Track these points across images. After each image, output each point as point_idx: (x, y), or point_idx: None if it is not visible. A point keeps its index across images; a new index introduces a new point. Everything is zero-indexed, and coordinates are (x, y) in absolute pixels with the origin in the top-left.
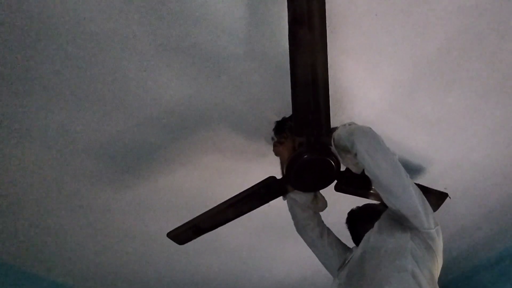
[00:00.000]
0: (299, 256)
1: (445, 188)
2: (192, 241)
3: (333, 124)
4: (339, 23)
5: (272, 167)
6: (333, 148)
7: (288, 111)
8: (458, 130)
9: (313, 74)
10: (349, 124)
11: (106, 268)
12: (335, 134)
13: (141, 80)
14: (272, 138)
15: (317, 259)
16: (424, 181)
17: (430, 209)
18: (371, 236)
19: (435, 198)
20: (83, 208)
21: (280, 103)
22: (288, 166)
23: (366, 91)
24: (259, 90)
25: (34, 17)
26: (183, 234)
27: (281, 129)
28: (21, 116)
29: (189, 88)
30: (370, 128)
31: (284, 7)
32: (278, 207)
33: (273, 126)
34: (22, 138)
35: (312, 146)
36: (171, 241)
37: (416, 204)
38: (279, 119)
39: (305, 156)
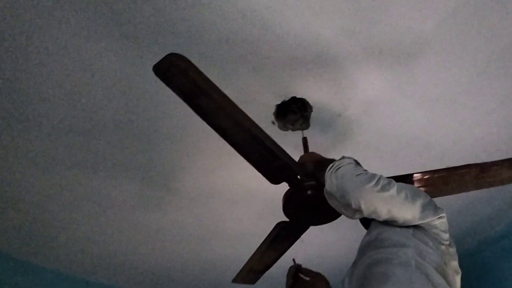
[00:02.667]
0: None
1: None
2: (196, 227)
3: (335, 103)
4: (335, 3)
5: None
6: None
7: (287, 95)
8: (459, 107)
9: (244, 129)
10: (336, 169)
11: (113, 259)
12: (326, 185)
13: (136, 80)
14: (273, 122)
15: (319, 246)
16: (426, 159)
17: (420, 202)
18: (373, 227)
19: (509, 165)
20: (81, 196)
21: (277, 87)
22: (284, 207)
23: (366, 71)
24: (257, 75)
25: None
26: (246, 277)
27: (282, 113)
28: (23, 108)
29: None
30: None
31: None
32: (280, 192)
33: (273, 109)
34: (24, 129)
35: (298, 187)
36: (174, 229)
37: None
38: (279, 102)
39: (294, 197)
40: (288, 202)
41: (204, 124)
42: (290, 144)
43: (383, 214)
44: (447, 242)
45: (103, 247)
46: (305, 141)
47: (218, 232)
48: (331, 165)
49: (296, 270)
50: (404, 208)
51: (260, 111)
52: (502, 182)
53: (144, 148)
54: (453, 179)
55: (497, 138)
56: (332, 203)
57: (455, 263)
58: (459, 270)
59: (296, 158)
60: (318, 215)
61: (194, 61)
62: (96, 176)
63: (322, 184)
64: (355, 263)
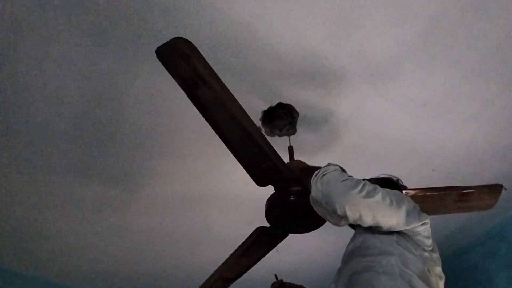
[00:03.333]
0: (290, 246)
1: (433, 170)
2: (188, 232)
3: (321, 108)
4: (320, 10)
5: None
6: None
7: (273, 100)
8: (443, 112)
9: (239, 125)
10: (321, 176)
11: (101, 266)
12: (312, 192)
13: (132, 86)
14: (260, 128)
15: (309, 250)
16: (411, 163)
17: (404, 207)
18: (357, 234)
19: (489, 192)
20: (76, 206)
21: (264, 93)
22: (267, 211)
23: (352, 77)
24: (243, 81)
25: None
26: (215, 285)
27: (268, 118)
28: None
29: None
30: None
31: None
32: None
33: (260, 116)
34: (9, 135)
35: (284, 192)
36: (163, 235)
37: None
38: (265, 108)
39: (278, 202)
40: (272, 207)
41: (193, 129)
42: (276, 150)
43: (368, 220)
44: (430, 248)
45: (90, 254)
46: (291, 149)
47: (206, 237)
48: (316, 172)
49: (279, 286)
50: (388, 214)
51: None
52: (480, 208)
53: (130, 153)
54: (433, 200)
55: (482, 141)
56: (318, 210)
57: (438, 269)
58: (443, 275)
59: (287, 157)
60: (300, 223)
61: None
62: (79, 181)
63: (307, 191)
64: (340, 270)
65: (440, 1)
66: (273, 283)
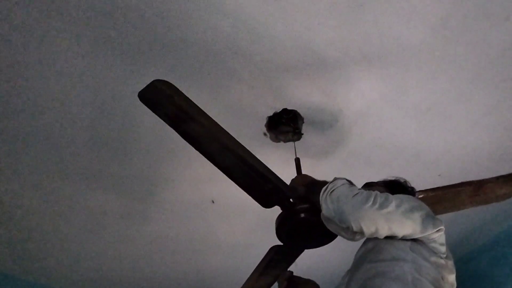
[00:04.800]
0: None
1: (439, 175)
2: (190, 239)
3: (326, 114)
4: (325, 16)
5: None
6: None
7: (278, 106)
8: (448, 117)
9: (234, 154)
10: (330, 192)
11: (103, 273)
12: (323, 210)
13: (130, 82)
14: (265, 134)
15: (311, 256)
16: (417, 169)
17: (419, 214)
18: (369, 239)
19: (505, 181)
20: (79, 212)
21: (270, 98)
22: (278, 231)
23: (356, 82)
24: (248, 86)
25: None
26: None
27: (273, 124)
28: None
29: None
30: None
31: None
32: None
33: (265, 121)
34: (13, 142)
35: (290, 211)
36: (169, 242)
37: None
38: (270, 114)
39: (287, 221)
40: (281, 226)
41: None
42: (282, 156)
43: (384, 232)
44: (444, 255)
45: (96, 260)
46: (297, 162)
47: (211, 244)
48: (324, 188)
49: (288, 278)
50: (404, 223)
51: (252, 123)
52: (497, 199)
53: (137, 161)
54: (448, 198)
55: (487, 146)
56: (331, 227)
57: (452, 277)
58: (455, 284)
59: (289, 170)
60: (313, 238)
61: (184, 73)
62: (86, 188)
63: (315, 207)
64: (351, 274)
65: (444, 6)
66: (282, 274)
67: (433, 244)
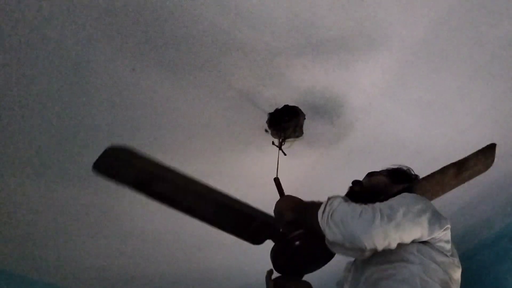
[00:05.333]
0: None
1: None
2: (191, 236)
3: (328, 110)
4: (324, 13)
5: (268, 159)
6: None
7: (279, 103)
8: (450, 112)
9: (210, 201)
10: (330, 215)
11: (106, 269)
12: (327, 236)
13: (132, 81)
14: (266, 130)
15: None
16: (419, 164)
17: (426, 217)
18: None
19: (484, 153)
20: (81, 209)
21: (271, 94)
22: (274, 265)
23: (357, 78)
24: (249, 83)
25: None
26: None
27: (275, 121)
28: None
29: (179, 84)
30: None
31: None
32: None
33: (266, 118)
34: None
35: (282, 242)
36: (168, 239)
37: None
38: (272, 110)
39: (282, 253)
40: (277, 259)
41: (200, 134)
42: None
43: (395, 243)
44: (450, 253)
45: (96, 258)
46: (277, 182)
47: (214, 241)
48: (321, 211)
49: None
50: (412, 231)
51: (253, 120)
52: (480, 171)
53: None
54: (436, 182)
55: (489, 141)
56: (337, 250)
57: (458, 273)
58: (459, 281)
59: (291, 167)
60: (312, 262)
61: (184, 70)
62: (86, 186)
63: (307, 230)
64: (354, 272)
65: (446, 1)
66: (268, 271)
67: (439, 244)
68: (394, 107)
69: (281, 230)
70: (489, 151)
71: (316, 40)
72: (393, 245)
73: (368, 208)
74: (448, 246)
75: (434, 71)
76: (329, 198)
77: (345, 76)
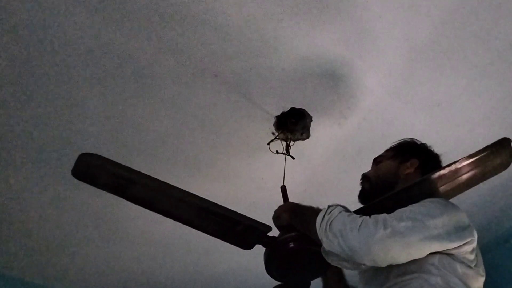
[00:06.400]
0: None
1: None
2: (200, 241)
3: (335, 112)
4: (330, 13)
5: (275, 161)
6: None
7: (286, 105)
8: (457, 111)
9: (189, 204)
10: (329, 225)
11: (114, 275)
12: (324, 245)
13: (138, 87)
14: (273, 133)
15: None
16: None
17: (441, 231)
18: None
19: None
20: (87, 216)
21: (277, 98)
22: (268, 271)
23: (363, 79)
24: (256, 86)
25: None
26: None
27: (282, 123)
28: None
29: (187, 89)
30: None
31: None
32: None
33: (273, 121)
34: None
35: (272, 247)
36: (176, 243)
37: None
38: (278, 113)
39: (274, 257)
40: (269, 264)
41: (207, 136)
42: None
43: (403, 259)
44: (474, 263)
45: (104, 262)
46: (284, 190)
47: (221, 244)
48: (319, 219)
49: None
50: (423, 247)
51: (260, 123)
52: (495, 170)
53: (145, 160)
54: (448, 177)
55: (497, 138)
56: (332, 260)
57: (479, 283)
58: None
59: (300, 169)
60: (307, 268)
61: (191, 75)
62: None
63: (302, 234)
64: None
65: (451, 0)
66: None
67: (463, 255)
68: (402, 107)
69: (268, 235)
70: (505, 146)
71: (321, 43)
72: (402, 261)
73: (369, 220)
74: (472, 257)
75: (441, 70)
76: (329, 206)
77: (351, 76)
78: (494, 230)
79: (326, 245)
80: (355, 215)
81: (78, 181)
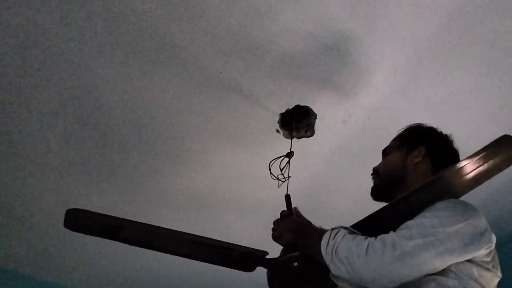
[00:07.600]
0: None
1: None
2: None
3: (339, 109)
4: (335, 12)
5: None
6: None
7: (290, 103)
8: (463, 110)
9: (183, 240)
10: (334, 250)
11: (121, 273)
12: (332, 271)
13: (140, 87)
14: (278, 131)
15: None
16: None
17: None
18: None
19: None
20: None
21: (282, 95)
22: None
23: (368, 77)
24: (260, 84)
25: None
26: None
27: (286, 121)
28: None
29: (190, 88)
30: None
31: None
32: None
33: (277, 118)
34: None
35: (273, 268)
36: None
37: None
38: (283, 111)
39: (276, 278)
40: (273, 284)
41: (212, 135)
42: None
43: (418, 277)
44: (491, 265)
45: (110, 261)
46: (288, 199)
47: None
48: (324, 244)
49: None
50: (438, 262)
51: (264, 120)
52: (500, 167)
53: (150, 159)
54: (451, 177)
55: None
56: (342, 283)
57: (494, 283)
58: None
59: (304, 166)
60: (317, 285)
61: (195, 73)
62: (105, 188)
63: (299, 253)
64: None
65: None
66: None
67: (481, 259)
68: (406, 105)
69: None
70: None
71: (326, 40)
72: (416, 278)
73: (376, 243)
74: (488, 258)
75: (446, 68)
76: (332, 229)
77: (356, 74)
78: (502, 228)
79: (333, 271)
80: (360, 237)
81: (85, 176)
